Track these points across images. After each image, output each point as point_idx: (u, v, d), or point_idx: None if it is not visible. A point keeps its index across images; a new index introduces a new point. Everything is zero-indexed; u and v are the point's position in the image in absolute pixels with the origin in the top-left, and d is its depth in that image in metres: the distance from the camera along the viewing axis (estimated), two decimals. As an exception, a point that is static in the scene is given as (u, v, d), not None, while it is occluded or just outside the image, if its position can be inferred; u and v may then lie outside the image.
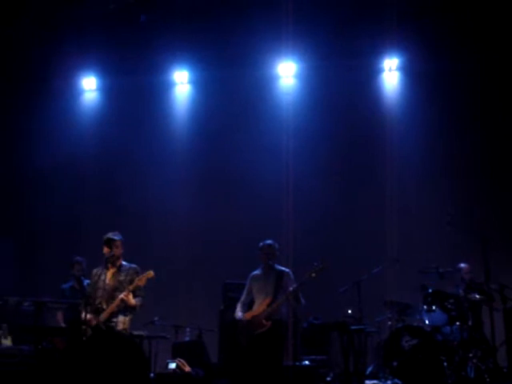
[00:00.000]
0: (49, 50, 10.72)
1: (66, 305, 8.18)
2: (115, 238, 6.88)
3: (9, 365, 7.27)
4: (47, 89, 11.20)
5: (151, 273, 6.69)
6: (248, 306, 7.48)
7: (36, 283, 10.24)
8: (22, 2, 10.26)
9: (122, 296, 6.58)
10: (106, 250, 6.85)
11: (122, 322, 6.67)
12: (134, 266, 6.91)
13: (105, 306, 6.68)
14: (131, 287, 6.63)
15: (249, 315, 7.27)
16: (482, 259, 7.49)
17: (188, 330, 9.06)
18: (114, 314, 6.67)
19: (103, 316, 6.64)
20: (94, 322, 6.63)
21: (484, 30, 9.89)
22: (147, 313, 7.82)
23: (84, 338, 6.58)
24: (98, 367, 5.58)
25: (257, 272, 7.54)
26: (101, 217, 10.66)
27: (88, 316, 6.62)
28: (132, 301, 6.63)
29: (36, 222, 10.97)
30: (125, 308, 6.67)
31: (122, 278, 6.79)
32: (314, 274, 7.08)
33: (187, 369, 4.54)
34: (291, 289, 7.11)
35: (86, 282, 8.26)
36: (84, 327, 6.61)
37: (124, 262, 6.95)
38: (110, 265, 6.87)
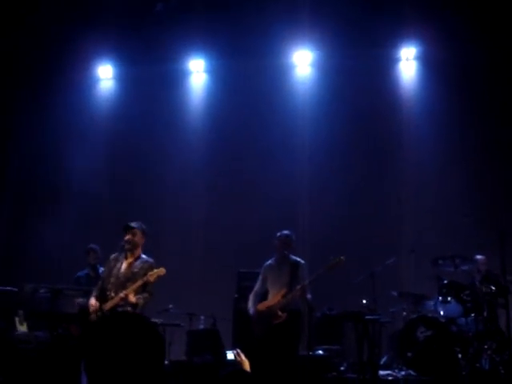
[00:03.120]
0: (65, 37, 10.74)
1: (82, 292, 8.21)
2: (133, 225, 6.76)
3: (24, 351, 7.34)
4: (63, 76, 11.20)
5: (163, 270, 6.55)
6: (261, 297, 7.47)
7: (50, 271, 10.30)
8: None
9: (121, 295, 6.44)
10: (125, 236, 6.73)
11: None
12: (150, 260, 6.76)
13: (113, 295, 6.56)
14: (139, 283, 6.48)
15: (263, 306, 7.24)
16: (499, 251, 7.42)
17: (202, 318, 9.09)
18: (121, 306, 6.50)
19: (107, 305, 6.52)
20: (96, 308, 6.54)
21: (502, 20, 9.80)
22: (161, 301, 7.85)
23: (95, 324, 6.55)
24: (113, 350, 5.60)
25: (271, 262, 7.52)
26: (114, 207, 10.69)
27: (92, 301, 6.59)
28: (132, 299, 6.46)
29: (49, 216, 11.01)
30: (126, 304, 6.50)
31: (136, 269, 6.66)
32: (328, 269, 7.04)
33: (242, 358, 4.55)
34: (305, 283, 7.07)
35: (102, 269, 8.30)
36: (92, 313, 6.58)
37: (143, 255, 6.81)
38: (128, 253, 6.75)
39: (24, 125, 11.35)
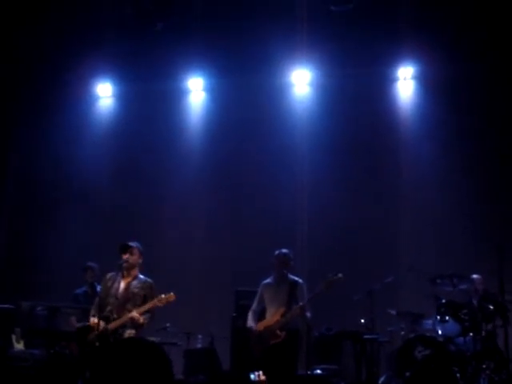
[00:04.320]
0: (65, 56, 10.80)
1: (80, 310, 8.17)
2: (132, 244, 6.71)
3: (20, 368, 7.30)
4: (63, 92, 11.25)
5: (172, 296, 6.49)
6: (259, 314, 7.44)
7: (49, 288, 10.28)
8: (39, 10, 10.39)
9: (131, 315, 6.41)
10: (122, 256, 6.65)
11: (128, 333, 6.49)
12: (149, 280, 6.72)
13: (115, 316, 6.52)
14: (147, 306, 6.46)
15: (262, 326, 7.21)
16: (497, 268, 7.41)
17: (200, 336, 9.05)
18: (122, 326, 6.50)
19: (112, 326, 6.47)
20: (101, 328, 6.45)
21: (499, 39, 9.87)
22: (159, 319, 7.81)
23: (95, 344, 6.50)
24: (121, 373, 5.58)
25: (269, 280, 7.48)
26: (114, 225, 10.68)
27: (95, 320, 6.49)
28: (141, 320, 6.45)
29: (50, 230, 11.00)
30: (132, 324, 6.50)
31: (136, 290, 6.62)
32: (326, 287, 7.03)
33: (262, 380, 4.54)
34: (301, 304, 7.05)
35: (99, 287, 8.27)
36: (92, 332, 6.51)
37: (140, 275, 6.76)
38: (125, 273, 6.69)
39: (25, 132, 11.44)
